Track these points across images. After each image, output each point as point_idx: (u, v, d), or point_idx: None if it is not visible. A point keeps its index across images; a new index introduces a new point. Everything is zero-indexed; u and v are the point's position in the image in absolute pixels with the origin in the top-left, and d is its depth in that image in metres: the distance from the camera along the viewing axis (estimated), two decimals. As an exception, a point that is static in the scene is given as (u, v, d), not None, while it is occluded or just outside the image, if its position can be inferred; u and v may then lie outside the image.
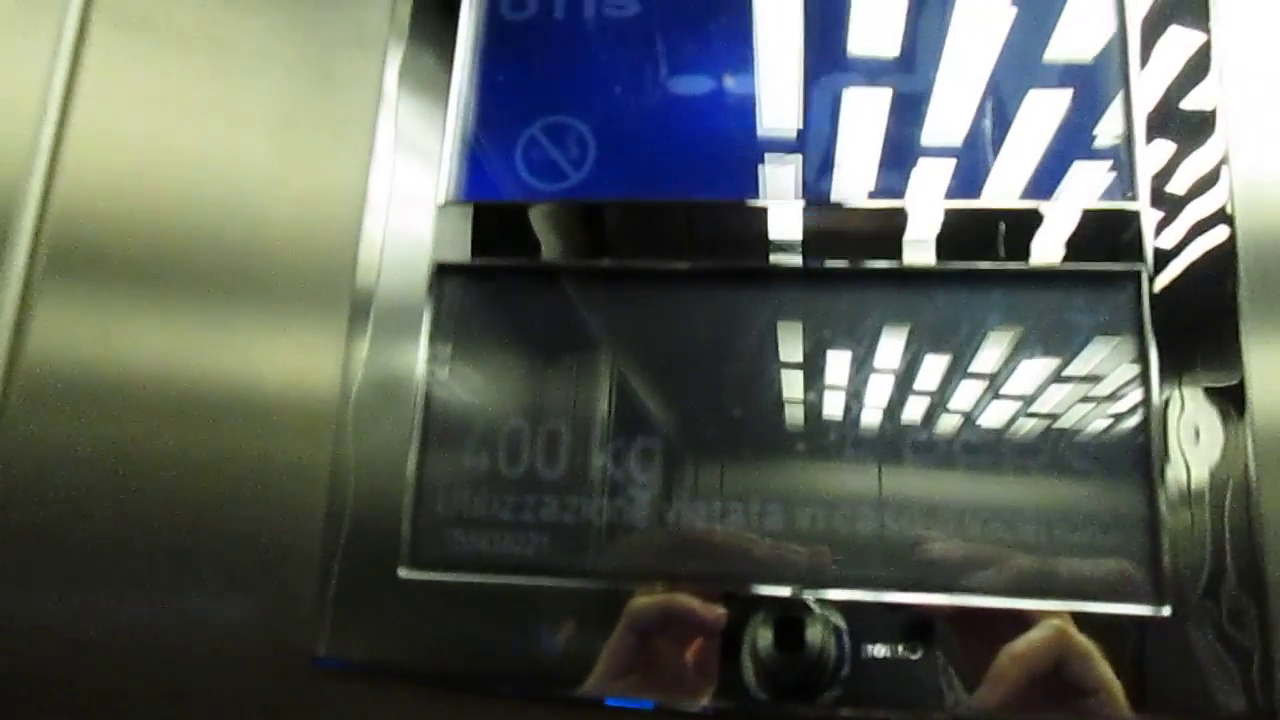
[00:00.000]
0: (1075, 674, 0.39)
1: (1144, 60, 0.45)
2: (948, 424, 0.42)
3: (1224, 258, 0.42)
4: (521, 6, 0.50)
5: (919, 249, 0.44)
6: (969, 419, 0.42)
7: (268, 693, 0.45)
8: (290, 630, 0.45)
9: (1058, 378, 0.42)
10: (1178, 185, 0.43)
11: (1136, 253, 0.42)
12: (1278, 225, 0.43)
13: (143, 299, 0.53)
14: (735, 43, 0.48)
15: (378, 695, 0.45)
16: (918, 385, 0.43)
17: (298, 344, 0.50)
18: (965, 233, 0.44)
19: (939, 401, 0.42)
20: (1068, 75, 0.46)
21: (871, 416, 0.43)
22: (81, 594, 0.49)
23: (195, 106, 0.56)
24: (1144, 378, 0.41)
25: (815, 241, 0.45)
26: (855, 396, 0.43)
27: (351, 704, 0.45)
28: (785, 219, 0.45)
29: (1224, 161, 0.43)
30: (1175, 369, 0.41)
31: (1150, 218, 0.43)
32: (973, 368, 0.43)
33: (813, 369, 0.44)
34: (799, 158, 0.46)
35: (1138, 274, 0.42)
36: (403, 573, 0.44)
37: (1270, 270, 0.42)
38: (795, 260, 0.44)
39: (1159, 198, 0.43)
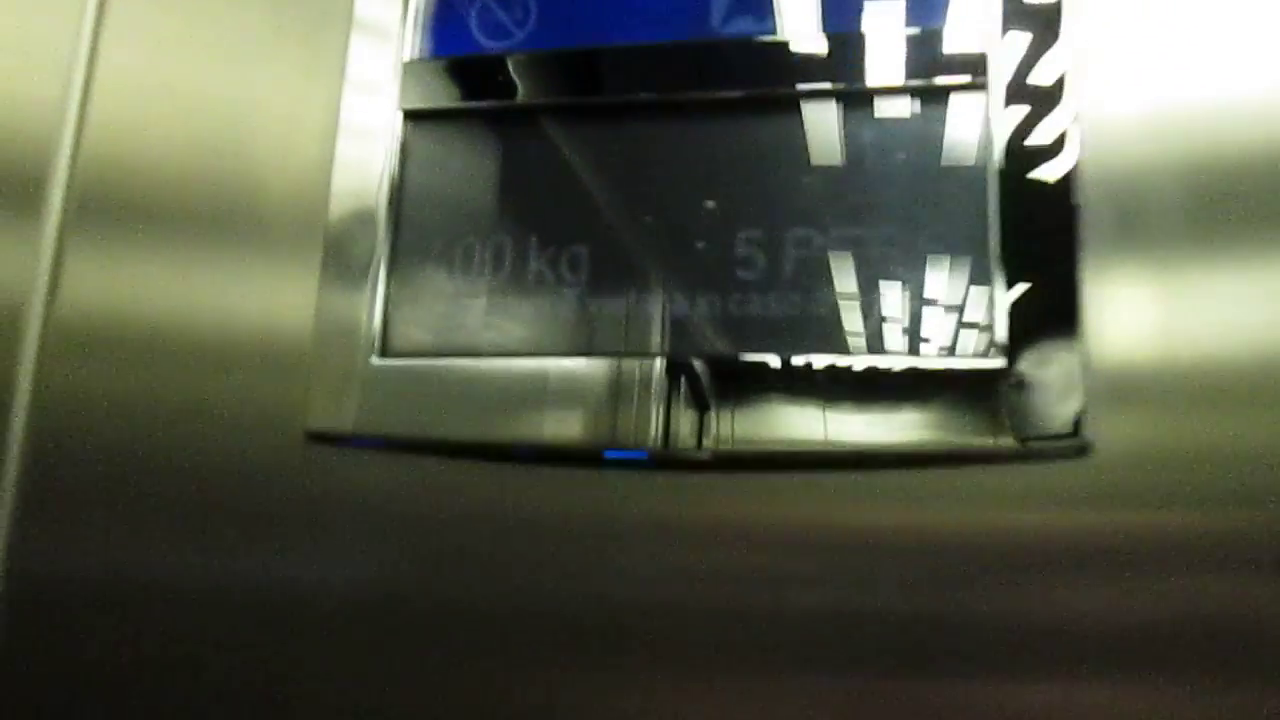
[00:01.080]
0: None
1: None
2: (833, 220, 0.50)
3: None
4: None
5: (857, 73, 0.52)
6: (854, 214, 0.50)
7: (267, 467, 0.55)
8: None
9: (921, 175, 0.50)
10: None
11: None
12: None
13: (168, 244, 0.61)
14: None
15: (368, 465, 0.54)
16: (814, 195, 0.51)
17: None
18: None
19: (831, 201, 0.51)
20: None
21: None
22: (125, 538, 0.58)
23: (211, 50, 0.63)
24: (984, 169, 0.49)
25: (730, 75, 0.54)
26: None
27: (342, 472, 0.55)
28: (705, 55, 0.54)
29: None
30: (1013, 157, 0.49)
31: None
32: (839, 172, 0.51)
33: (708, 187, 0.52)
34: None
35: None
36: (375, 361, 0.54)
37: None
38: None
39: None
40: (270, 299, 0.59)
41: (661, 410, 0.50)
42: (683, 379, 0.50)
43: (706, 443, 0.49)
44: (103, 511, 0.58)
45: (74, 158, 0.65)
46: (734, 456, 0.49)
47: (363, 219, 0.56)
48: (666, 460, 0.50)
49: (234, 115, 0.62)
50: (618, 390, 0.51)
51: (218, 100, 0.62)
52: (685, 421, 0.49)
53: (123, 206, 0.63)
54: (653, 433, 0.50)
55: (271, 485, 0.55)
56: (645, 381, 0.50)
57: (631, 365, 0.51)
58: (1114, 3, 0.50)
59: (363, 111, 0.58)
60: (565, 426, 0.51)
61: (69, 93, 0.66)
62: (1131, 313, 0.47)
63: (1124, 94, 0.50)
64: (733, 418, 0.49)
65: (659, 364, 0.50)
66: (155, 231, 0.62)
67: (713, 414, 0.49)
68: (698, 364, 0.50)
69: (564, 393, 0.52)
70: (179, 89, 0.63)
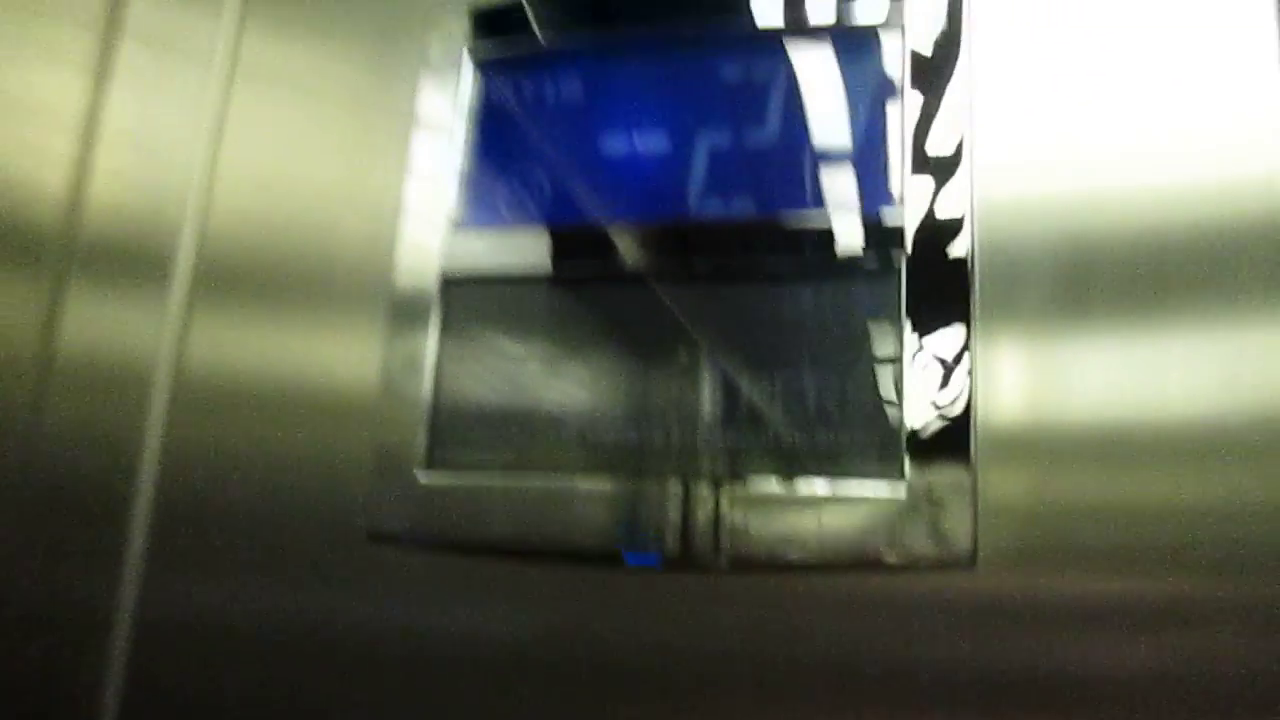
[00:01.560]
0: None
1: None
2: (776, 369, 0.64)
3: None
4: (505, 96, 0.74)
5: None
6: (793, 363, 0.63)
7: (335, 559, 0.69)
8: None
9: (841, 333, 0.63)
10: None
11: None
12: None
13: (273, 315, 0.76)
14: (639, 122, 0.70)
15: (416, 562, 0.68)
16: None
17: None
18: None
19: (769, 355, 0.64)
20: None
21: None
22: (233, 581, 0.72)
23: (309, 147, 0.79)
24: (899, 332, 0.62)
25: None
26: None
27: (399, 567, 0.68)
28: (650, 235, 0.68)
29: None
30: (920, 326, 0.61)
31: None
32: (785, 331, 0.64)
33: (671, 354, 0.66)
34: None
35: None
36: (419, 476, 0.68)
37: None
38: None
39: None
40: (348, 370, 0.73)
41: (669, 520, 0.63)
42: (681, 495, 0.63)
43: (684, 546, 0.62)
44: (218, 561, 0.73)
45: (198, 238, 0.80)
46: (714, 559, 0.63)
47: (412, 359, 0.71)
48: (675, 562, 0.63)
49: (326, 203, 0.77)
50: (634, 505, 0.64)
51: (313, 188, 0.78)
52: (674, 526, 0.63)
53: (238, 281, 0.78)
54: (668, 539, 0.63)
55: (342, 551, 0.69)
56: (658, 498, 0.64)
57: (649, 485, 0.64)
58: (1007, 132, 0.64)
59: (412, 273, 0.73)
60: (590, 533, 0.65)
61: (194, 183, 0.81)
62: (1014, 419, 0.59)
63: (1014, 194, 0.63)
64: (703, 527, 0.62)
65: (669, 484, 0.64)
66: (263, 303, 0.77)
67: (694, 523, 0.62)
68: (690, 484, 0.63)
69: (589, 505, 0.65)
70: (283, 180, 0.79)
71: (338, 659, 0.68)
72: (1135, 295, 0.60)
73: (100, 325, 0.81)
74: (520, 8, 0.75)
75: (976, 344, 0.61)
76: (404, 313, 0.72)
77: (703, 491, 0.62)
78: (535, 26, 0.74)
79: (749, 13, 0.70)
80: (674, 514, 0.62)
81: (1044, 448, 0.59)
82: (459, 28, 0.76)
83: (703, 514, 0.62)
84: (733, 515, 0.61)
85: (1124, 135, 0.62)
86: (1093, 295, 0.60)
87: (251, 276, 0.78)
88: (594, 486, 0.65)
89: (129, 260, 0.81)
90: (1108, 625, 0.56)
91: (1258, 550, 0.55)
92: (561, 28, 0.74)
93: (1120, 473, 0.57)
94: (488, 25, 0.75)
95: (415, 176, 0.74)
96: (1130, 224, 0.61)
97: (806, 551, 0.60)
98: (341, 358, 0.74)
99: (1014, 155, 0.64)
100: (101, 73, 0.86)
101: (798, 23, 0.69)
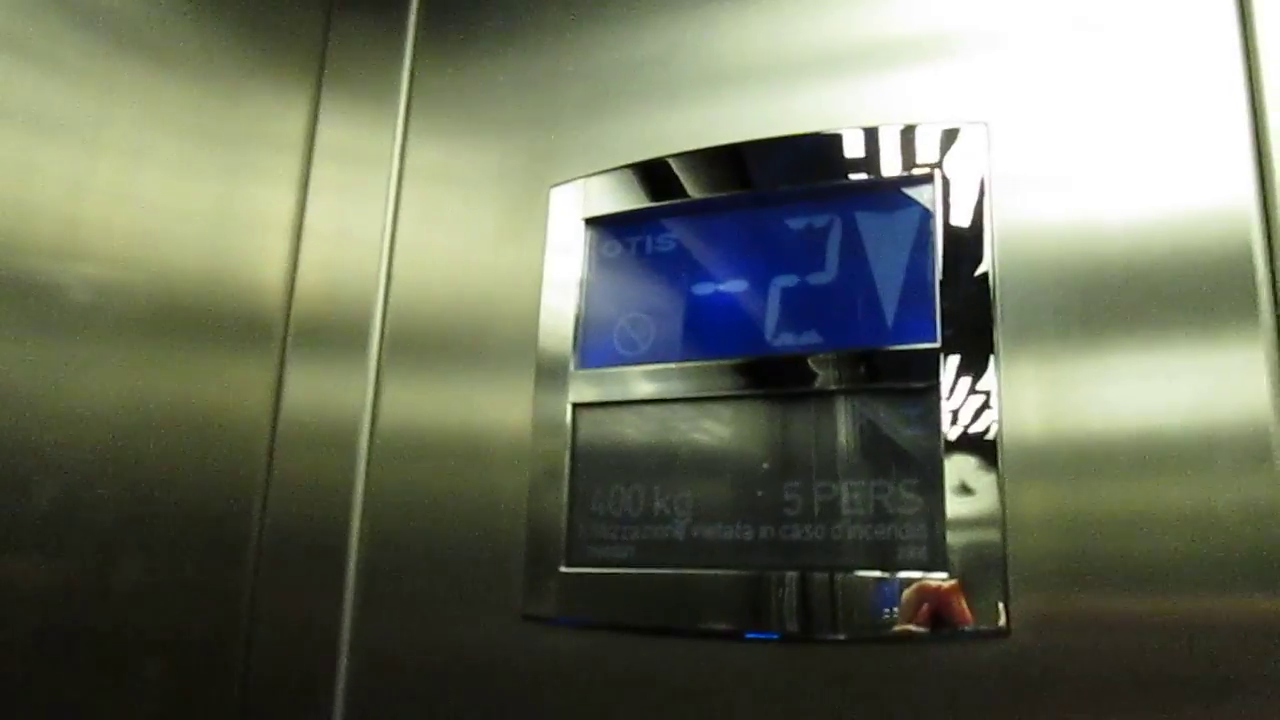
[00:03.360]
0: None
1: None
2: (843, 476, 0.77)
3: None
4: (613, 249, 0.90)
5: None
6: (857, 471, 0.76)
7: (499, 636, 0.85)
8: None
9: (891, 436, 0.76)
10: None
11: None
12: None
13: (452, 374, 0.92)
14: (723, 269, 0.85)
15: (563, 636, 0.83)
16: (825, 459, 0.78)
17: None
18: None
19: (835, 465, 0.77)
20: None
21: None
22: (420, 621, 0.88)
23: (469, 232, 0.94)
24: (938, 434, 0.74)
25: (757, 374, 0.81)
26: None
27: (548, 642, 0.84)
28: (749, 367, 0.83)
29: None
30: (956, 425, 0.74)
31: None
32: (847, 443, 0.77)
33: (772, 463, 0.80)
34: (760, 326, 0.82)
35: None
36: (562, 568, 0.83)
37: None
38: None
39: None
40: (503, 426, 0.88)
41: (782, 603, 0.76)
42: (785, 584, 0.77)
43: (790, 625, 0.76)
44: (408, 603, 0.88)
45: (385, 312, 0.95)
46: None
47: (553, 471, 0.87)
48: (792, 637, 0.76)
49: (478, 279, 0.92)
50: (754, 593, 0.77)
51: (476, 268, 0.93)
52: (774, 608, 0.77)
53: (421, 346, 0.93)
54: (784, 619, 0.76)
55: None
56: (773, 584, 0.77)
57: (767, 575, 0.77)
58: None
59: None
60: (715, 614, 0.79)
61: (380, 268, 0.96)
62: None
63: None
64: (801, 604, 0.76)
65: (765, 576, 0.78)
66: (444, 364, 0.92)
67: (793, 602, 0.76)
68: (786, 574, 0.77)
69: (714, 592, 0.79)
70: (448, 259, 0.94)
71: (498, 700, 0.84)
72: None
73: (313, 391, 0.96)
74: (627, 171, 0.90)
75: (1003, 441, 0.73)
76: (543, 431, 0.88)
77: (793, 578, 0.76)
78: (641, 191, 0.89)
79: (810, 175, 0.84)
80: (772, 599, 0.76)
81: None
82: (580, 188, 0.92)
83: (797, 598, 0.76)
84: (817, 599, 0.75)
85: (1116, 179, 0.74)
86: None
87: (431, 341, 0.94)
88: (707, 574, 0.79)
89: (333, 335, 0.97)
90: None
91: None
92: (658, 195, 0.89)
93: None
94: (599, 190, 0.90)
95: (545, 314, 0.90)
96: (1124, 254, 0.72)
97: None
98: (496, 414, 0.89)
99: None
100: (303, 185, 1.03)
101: (853, 179, 0.83)
